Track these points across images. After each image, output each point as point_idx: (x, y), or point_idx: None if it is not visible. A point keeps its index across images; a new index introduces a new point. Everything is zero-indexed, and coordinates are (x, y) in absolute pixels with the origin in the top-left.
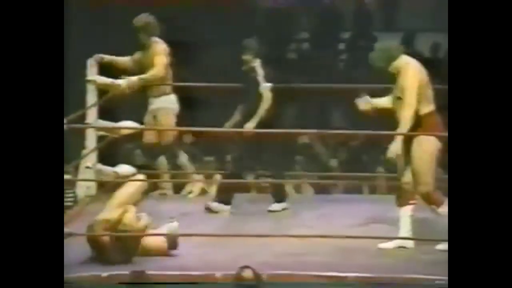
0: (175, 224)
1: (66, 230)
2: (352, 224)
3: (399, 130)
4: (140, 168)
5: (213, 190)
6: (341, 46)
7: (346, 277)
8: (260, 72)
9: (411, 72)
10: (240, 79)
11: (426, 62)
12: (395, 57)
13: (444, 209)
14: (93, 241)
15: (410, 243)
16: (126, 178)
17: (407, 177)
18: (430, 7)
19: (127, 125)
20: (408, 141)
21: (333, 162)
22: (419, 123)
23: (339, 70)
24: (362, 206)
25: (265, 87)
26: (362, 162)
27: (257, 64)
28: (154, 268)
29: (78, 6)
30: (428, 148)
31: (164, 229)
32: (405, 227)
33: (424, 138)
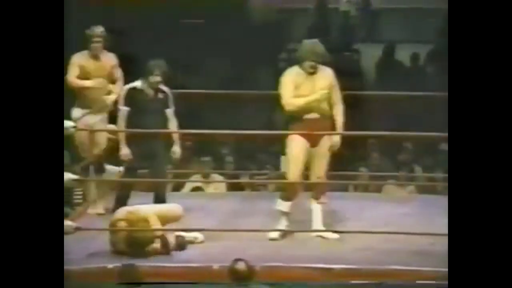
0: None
1: (74, 224)
2: (337, 219)
3: (341, 118)
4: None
5: (210, 189)
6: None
7: (332, 268)
8: (170, 95)
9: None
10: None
11: (407, 71)
12: None
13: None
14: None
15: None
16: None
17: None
18: (410, 20)
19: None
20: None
21: None
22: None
23: None
24: (347, 203)
25: (171, 112)
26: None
27: (164, 87)
28: (155, 260)
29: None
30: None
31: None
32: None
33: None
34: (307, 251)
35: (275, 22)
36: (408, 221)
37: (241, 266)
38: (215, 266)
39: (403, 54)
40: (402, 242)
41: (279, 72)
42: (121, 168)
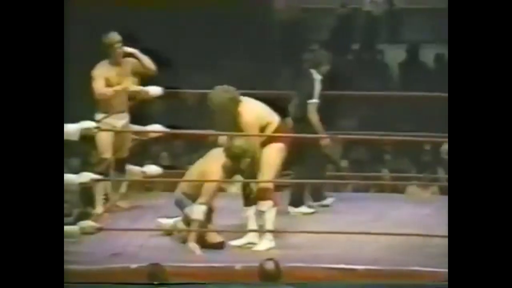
0: None
1: (96, 225)
2: (361, 220)
3: None
4: (165, 168)
5: (233, 189)
6: (350, 56)
7: (356, 269)
8: None
9: (250, 113)
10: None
11: (430, 72)
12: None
13: (270, 207)
14: None
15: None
16: (153, 178)
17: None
18: (432, 20)
19: (155, 128)
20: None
21: (344, 163)
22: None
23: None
24: (370, 203)
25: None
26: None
27: None
28: (174, 260)
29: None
30: (278, 152)
31: None
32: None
33: (275, 144)
34: (329, 251)
35: (298, 22)
36: (430, 222)
37: (270, 265)
38: (238, 266)
39: (426, 55)
40: (425, 243)
41: (302, 72)
42: (144, 169)
